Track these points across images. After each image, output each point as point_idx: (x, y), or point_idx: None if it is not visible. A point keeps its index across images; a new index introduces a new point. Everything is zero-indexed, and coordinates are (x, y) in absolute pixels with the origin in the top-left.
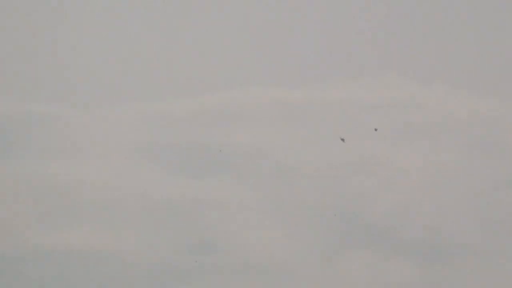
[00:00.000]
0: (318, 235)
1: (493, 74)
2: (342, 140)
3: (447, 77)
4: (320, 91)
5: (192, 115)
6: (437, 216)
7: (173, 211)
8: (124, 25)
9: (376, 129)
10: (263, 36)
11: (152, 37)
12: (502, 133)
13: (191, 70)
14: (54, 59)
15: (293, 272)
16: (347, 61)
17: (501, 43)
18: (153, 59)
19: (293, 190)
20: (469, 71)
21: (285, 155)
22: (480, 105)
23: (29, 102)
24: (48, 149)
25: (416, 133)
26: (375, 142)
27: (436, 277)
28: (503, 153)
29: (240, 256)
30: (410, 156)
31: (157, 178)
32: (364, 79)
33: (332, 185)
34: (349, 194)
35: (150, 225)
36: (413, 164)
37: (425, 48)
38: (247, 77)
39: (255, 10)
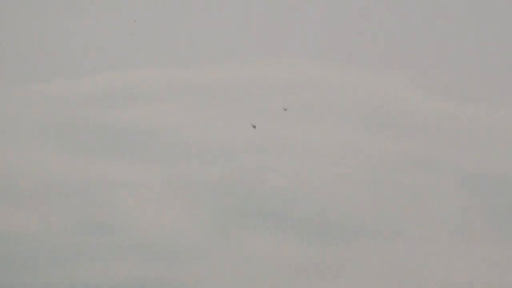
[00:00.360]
0: (216, 214)
1: (402, 55)
2: (254, 126)
3: (357, 60)
4: (224, 72)
5: (91, 96)
6: (334, 197)
7: (72, 191)
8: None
9: (285, 109)
10: (166, 17)
11: (46, 20)
12: (407, 115)
13: (89, 51)
14: None
15: (190, 251)
16: (255, 43)
17: (398, 24)
18: (48, 41)
19: (193, 170)
20: (379, 53)
21: (185, 135)
22: (388, 88)
23: None
24: None
25: (320, 113)
26: (280, 122)
27: (331, 256)
28: (406, 135)
29: (136, 236)
30: (314, 136)
31: (57, 159)
32: (270, 60)
33: (233, 164)
34: (248, 173)
35: (49, 205)
36: (316, 144)
37: (334, 30)
38: (147, 58)
39: None
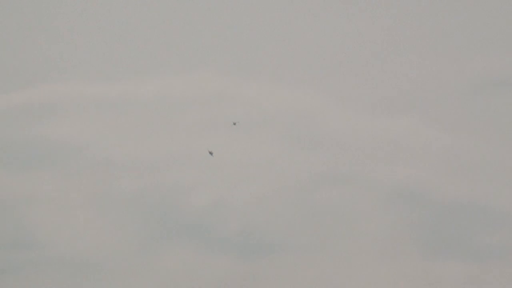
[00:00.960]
0: (139, 230)
1: (318, 71)
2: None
3: (271, 73)
4: (139, 86)
5: (13, 110)
6: (256, 213)
7: None
8: None
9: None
10: (93, 33)
11: None
12: (323, 129)
13: (13, 66)
14: None
15: (113, 266)
16: (168, 58)
17: (317, 38)
18: None
19: (116, 185)
20: (293, 68)
21: (104, 149)
22: (308, 104)
23: None
24: None
25: (237, 128)
26: (196, 136)
27: (252, 272)
28: (327, 150)
29: (58, 251)
30: (237, 152)
31: None
32: (192, 75)
33: (152, 179)
34: (169, 188)
35: None
36: (239, 161)
37: (247, 46)
38: (73, 72)
39: (75, 12)
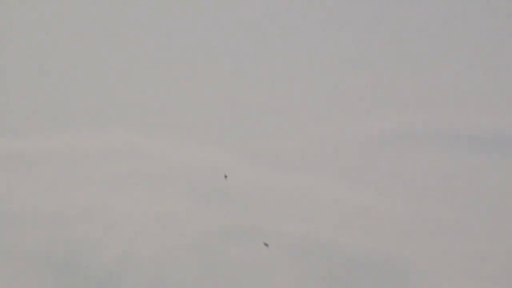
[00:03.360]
0: (43, 284)
1: (226, 126)
2: (226, 176)
3: (179, 129)
4: (46, 140)
5: None
6: (163, 265)
7: None
8: None
9: (226, 176)
10: None
11: None
12: (230, 184)
13: None
14: None
15: None
16: (76, 113)
17: (220, 91)
18: None
19: (16, 238)
20: (200, 124)
21: (5, 202)
22: (209, 157)
23: None
24: None
25: (139, 181)
26: (102, 189)
27: None
28: (229, 204)
29: None
30: (132, 205)
31: None
32: (92, 130)
33: (57, 233)
34: (75, 242)
35: None
36: (135, 213)
37: (154, 102)
38: None
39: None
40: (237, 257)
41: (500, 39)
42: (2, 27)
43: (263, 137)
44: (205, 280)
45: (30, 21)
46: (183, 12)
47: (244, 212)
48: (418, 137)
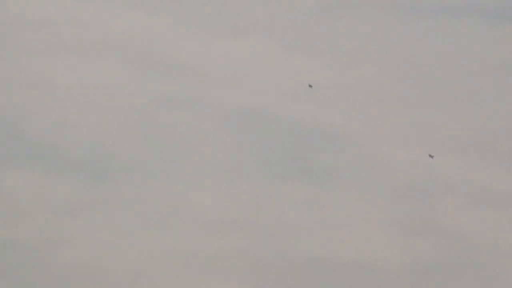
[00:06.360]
0: None
1: None
2: (310, 86)
3: None
4: None
5: None
6: (99, 135)
7: None
8: None
9: (310, 86)
10: None
11: None
12: (167, 52)
13: None
14: None
15: None
16: None
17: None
18: None
19: None
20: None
21: None
22: (147, 25)
23: None
24: None
25: (77, 51)
26: (38, 59)
27: (98, 194)
28: (166, 73)
29: None
30: (70, 74)
31: None
32: None
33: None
34: (11, 111)
35: None
36: (78, 83)
37: None
38: None
39: None
40: (173, 125)
41: None
42: None
43: (203, 4)
44: (141, 149)
45: None
46: None
47: (183, 82)
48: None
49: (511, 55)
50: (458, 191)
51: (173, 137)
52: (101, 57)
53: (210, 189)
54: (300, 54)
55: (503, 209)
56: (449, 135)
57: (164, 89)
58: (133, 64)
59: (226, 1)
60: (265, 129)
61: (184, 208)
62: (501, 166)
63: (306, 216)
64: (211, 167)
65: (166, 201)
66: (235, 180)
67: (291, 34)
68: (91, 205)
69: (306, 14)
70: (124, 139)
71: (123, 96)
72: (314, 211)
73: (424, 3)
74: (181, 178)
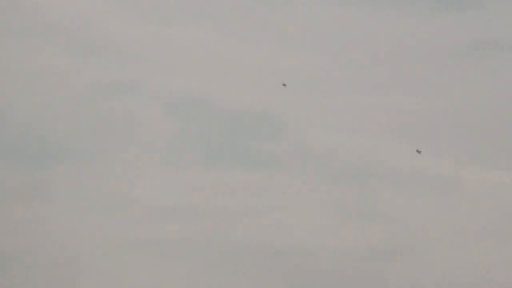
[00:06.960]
0: None
1: None
2: (284, 85)
3: None
4: None
5: None
6: (40, 120)
7: None
8: None
9: (284, 85)
10: None
11: None
12: (106, 38)
13: None
14: None
15: None
16: None
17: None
18: None
19: None
20: None
21: None
22: (84, 10)
23: None
24: None
25: (15, 36)
26: None
27: (40, 180)
28: (105, 58)
29: None
30: (13, 60)
31: None
32: None
33: None
34: None
35: None
36: (15, 68)
37: None
38: None
39: None
40: (115, 111)
41: None
42: None
43: None
44: (82, 135)
45: None
46: None
47: (126, 68)
48: None
49: (449, 42)
50: (396, 176)
51: (114, 122)
52: (43, 41)
53: (152, 176)
54: (244, 41)
55: (438, 194)
56: (387, 120)
57: (107, 74)
58: (75, 48)
59: None
60: (207, 116)
61: (126, 195)
62: (437, 151)
63: (249, 202)
64: (153, 154)
65: (107, 188)
66: (178, 167)
67: (235, 21)
68: (28, 192)
69: (252, 1)
70: (64, 124)
71: (63, 80)
72: (257, 198)
73: None
74: (123, 165)
